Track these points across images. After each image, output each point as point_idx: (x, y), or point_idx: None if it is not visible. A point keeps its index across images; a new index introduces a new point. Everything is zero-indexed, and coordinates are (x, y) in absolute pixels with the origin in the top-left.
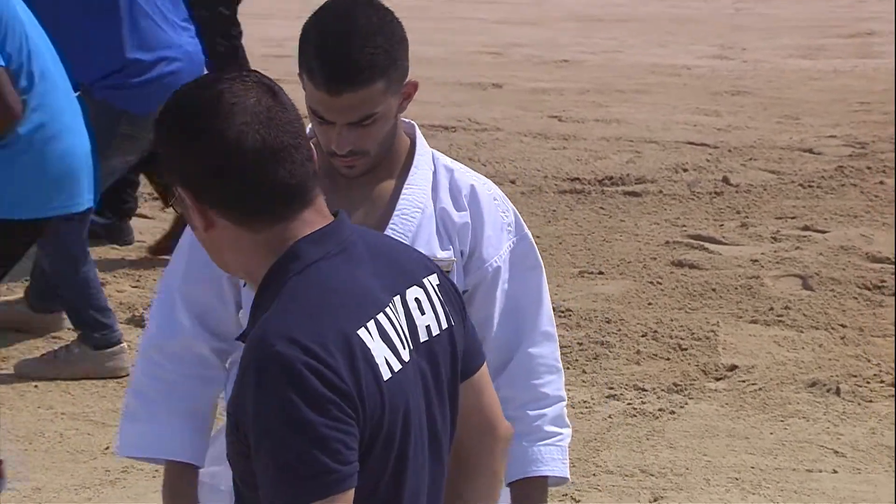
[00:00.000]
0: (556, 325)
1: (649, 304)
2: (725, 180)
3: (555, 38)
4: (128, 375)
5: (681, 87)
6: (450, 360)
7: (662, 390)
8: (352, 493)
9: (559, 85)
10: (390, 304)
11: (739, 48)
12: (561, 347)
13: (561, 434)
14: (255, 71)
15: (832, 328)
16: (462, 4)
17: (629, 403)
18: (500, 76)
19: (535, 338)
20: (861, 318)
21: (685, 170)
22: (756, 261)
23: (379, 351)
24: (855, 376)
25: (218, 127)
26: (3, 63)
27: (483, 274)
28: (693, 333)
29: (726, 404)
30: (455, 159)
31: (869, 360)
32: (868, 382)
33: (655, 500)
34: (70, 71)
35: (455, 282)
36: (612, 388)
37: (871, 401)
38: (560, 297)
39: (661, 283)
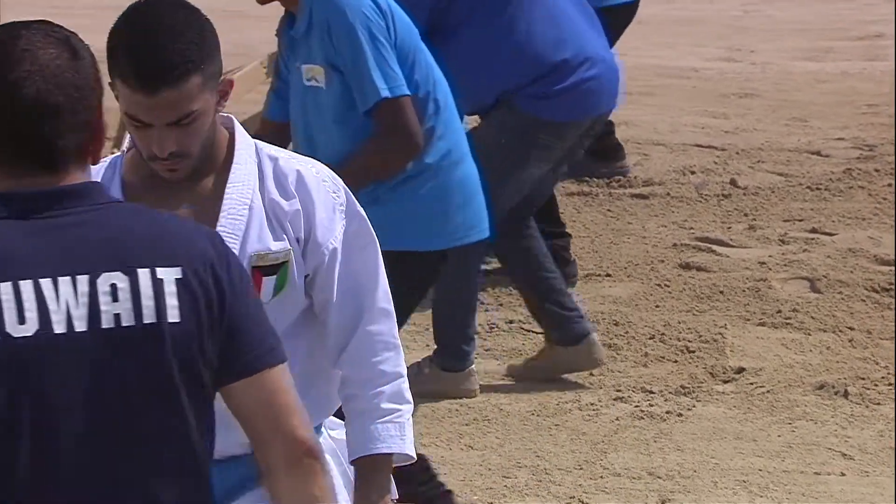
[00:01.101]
0: None
1: (657, 306)
2: (733, 182)
3: None
4: (476, 396)
5: (688, 90)
6: (173, 356)
7: (670, 393)
8: None
9: None
10: (53, 279)
11: (747, 50)
12: None
13: (399, 410)
14: (68, 30)
15: (840, 331)
16: None
17: (637, 406)
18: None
19: (374, 315)
20: (869, 321)
21: (693, 172)
22: (764, 263)
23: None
24: (863, 379)
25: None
26: (410, 91)
27: (321, 257)
28: (701, 336)
29: (734, 407)
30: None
31: (877, 363)
32: (876, 385)
33: (663, 503)
34: (464, 91)
35: (297, 271)
36: (619, 391)
37: (879, 403)
38: None
39: (668, 286)
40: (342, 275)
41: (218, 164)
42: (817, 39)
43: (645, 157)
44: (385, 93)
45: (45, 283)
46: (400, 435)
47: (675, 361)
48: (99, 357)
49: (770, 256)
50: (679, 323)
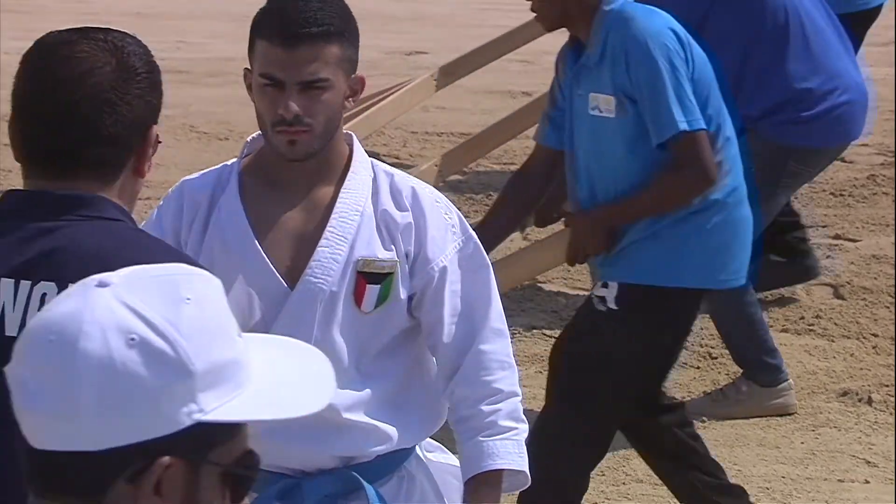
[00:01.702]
0: None
1: None
2: None
3: None
4: (795, 413)
5: None
6: None
7: (693, 399)
8: None
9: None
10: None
11: None
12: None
13: (517, 428)
14: (131, 42)
15: (864, 337)
16: (491, 12)
17: None
18: (530, 84)
19: (487, 335)
20: (893, 328)
21: None
22: None
23: None
24: (887, 385)
25: (26, 69)
26: (703, 126)
27: (430, 275)
28: (723, 342)
29: (757, 413)
30: (483, 167)
31: None
32: None
33: None
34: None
35: (402, 285)
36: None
37: None
38: None
39: None
40: (453, 296)
41: (335, 173)
42: None
43: None
44: (683, 125)
45: None
46: (518, 452)
47: (698, 367)
48: (4, 363)
49: None
50: (702, 329)
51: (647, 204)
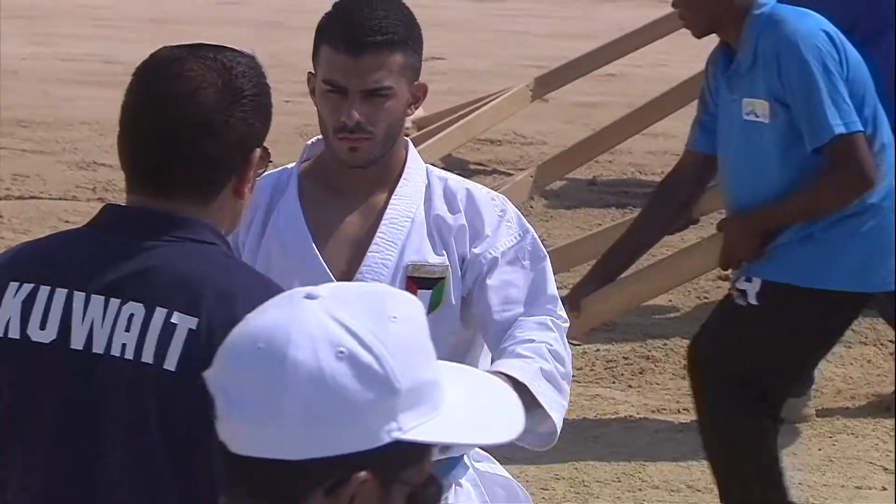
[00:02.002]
0: (602, 339)
1: (696, 318)
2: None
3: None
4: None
5: None
6: (155, 402)
7: None
8: None
9: (605, 98)
10: (80, 292)
11: None
12: (606, 362)
13: (561, 384)
14: (245, 62)
15: (881, 344)
16: (509, 18)
17: (676, 419)
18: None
19: (535, 311)
20: None
21: None
22: None
23: (9, 309)
24: None
25: (135, 83)
26: (860, 128)
27: (480, 266)
28: None
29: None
30: (500, 173)
31: None
32: None
33: None
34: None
35: (454, 290)
36: (658, 403)
37: None
38: None
39: (707, 298)
40: (504, 285)
41: (392, 180)
42: None
43: None
44: (840, 129)
45: (78, 297)
46: (555, 400)
47: None
48: (90, 379)
49: None
50: None
51: (802, 207)
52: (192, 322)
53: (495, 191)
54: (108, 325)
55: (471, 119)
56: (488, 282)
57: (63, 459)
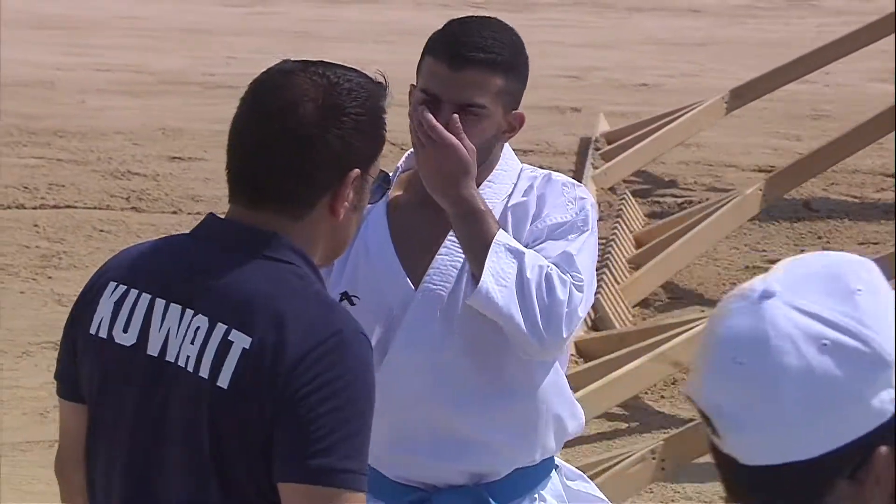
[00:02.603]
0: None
1: None
2: (806, 205)
3: (634, 61)
4: None
5: (760, 111)
6: (207, 417)
7: None
8: None
9: (638, 108)
10: (161, 299)
11: (822, 72)
12: None
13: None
14: (355, 79)
15: None
16: (541, 28)
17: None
18: (579, 100)
19: (557, 264)
20: None
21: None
22: None
23: (104, 308)
24: None
25: (247, 92)
26: None
27: (537, 233)
28: None
29: None
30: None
31: None
32: None
33: None
34: None
35: None
36: (691, 414)
37: None
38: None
39: None
40: (541, 249)
41: (482, 179)
42: (892, 60)
43: (716, 179)
44: None
45: (160, 304)
46: (507, 276)
47: None
48: (158, 386)
49: None
50: None
51: None
52: (246, 341)
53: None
54: (180, 335)
55: (664, 132)
56: (534, 246)
57: (136, 461)
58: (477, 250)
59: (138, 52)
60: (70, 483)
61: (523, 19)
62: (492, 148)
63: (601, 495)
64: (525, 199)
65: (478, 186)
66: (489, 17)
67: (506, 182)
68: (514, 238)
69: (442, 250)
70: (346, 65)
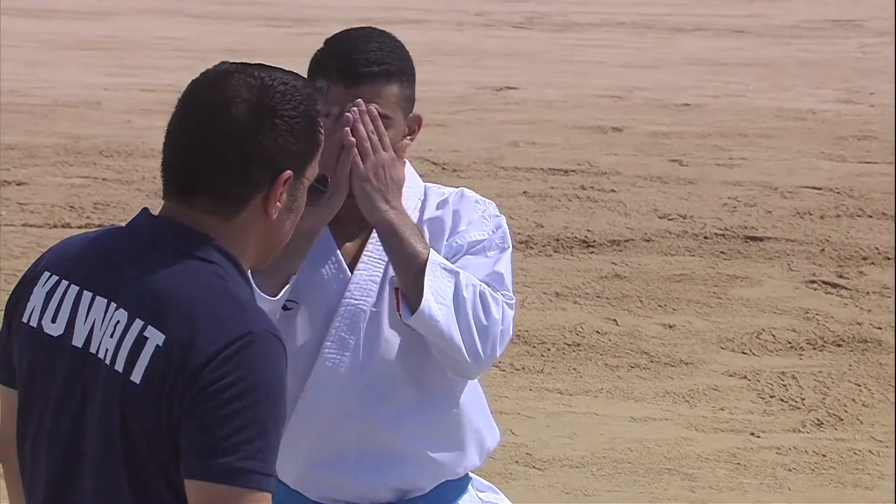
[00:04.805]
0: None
1: (778, 350)
2: (851, 226)
3: (676, 81)
4: None
5: (805, 132)
6: (121, 412)
7: (776, 432)
8: None
9: (680, 129)
10: (89, 291)
11: (866, 92)
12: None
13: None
14: (290, 82)
15: None
16: (583, 48)
17: (746, 449)
18: (621, 119)
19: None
20: None
21: (808, 214)
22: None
23: (36, 297)
24: None
25: (184, 92)
26: None
27: (448, 252)
28: (820, 382)
29: (855, 452)
30: (573, 202)
31: None
32: None
33: None
34: None
35: None
36: (732, 434)
37: None
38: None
39: (779, 330)
40: (463, 267)
41: None
42: None
43: (761, 200)
44: None
45: (87, 296)
46: (438, 289)
47: (799, 407)
48: (81, 377)
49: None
50: (794, 368)
51: None
52: (160, 338)
53: None
54: (103, 328)
55: None
56: (453, 262)
57: (58, 448)
58: (411, 268)
59: (182, 72)
60: (11, 464)
61: (566, 39)
62: (399, 153)
63: None
64: (440, 212)
65: None
66: (366, 28)
67: (412, 198)
68: None
69: (360, 265)
70: (285, 69)
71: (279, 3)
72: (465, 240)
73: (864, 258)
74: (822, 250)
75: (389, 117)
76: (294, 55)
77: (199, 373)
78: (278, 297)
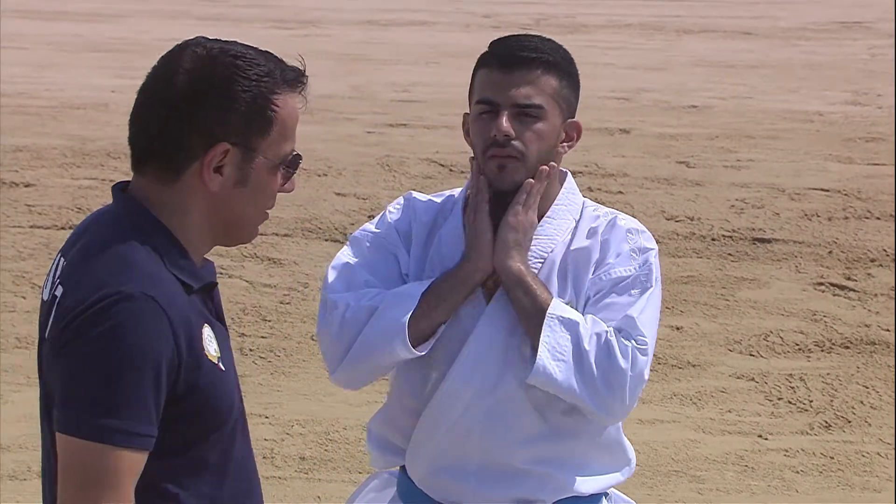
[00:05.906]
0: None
1: (785, 353)
2: (857, 228)
3: (683, 83)
4: None
5: (813, 134)
6: (44, 362)
7: (791, 435)
8: None
9: (687, 131)
10: (62, 257)
11: (874, 94)
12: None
13: (568, 352)
14: (238, 55)
15: None
16: (590, 50)
17: (755, 451)
18: (628, 121)
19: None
20: None
21: (816, 216)
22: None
23: (48, 275)
24: None
25: (154, 68)
26: None
27: (600, 285)
28: (827, 385)
29: (876, 454)
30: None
31: None
32: None
33: None
34: None
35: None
36: (753, 436)
37: None
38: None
39: (787, 332)
40: (605, 306)
41: (539, 215)
42: None
43: (768, 202)
44: None
45: (61, 261)
46: (557, 354)
47: (807, 409)
48: (43, 332)
49: None
50: (802, 370)
51: None
52: (61, 296)
53: None
54: (56, 288)
55: None
56: (596, 300)
57: (40, 406)
58: (530, 321)
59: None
60: None
61: (574, 41)
62: (552, 154)
63: None
64: (588, 243)
65: (538, 220)
66: (534, 34)
67: (566, 218)
68: (574, 284)
69: (497, 295)
70: (255, 46)
71: (285, 6)
72: (609, 276)
73: (872, 260)
74: (830, 252)
75: (542, 107)
76: (305, 57)
77: (67, 327)
78: (418, 347)
